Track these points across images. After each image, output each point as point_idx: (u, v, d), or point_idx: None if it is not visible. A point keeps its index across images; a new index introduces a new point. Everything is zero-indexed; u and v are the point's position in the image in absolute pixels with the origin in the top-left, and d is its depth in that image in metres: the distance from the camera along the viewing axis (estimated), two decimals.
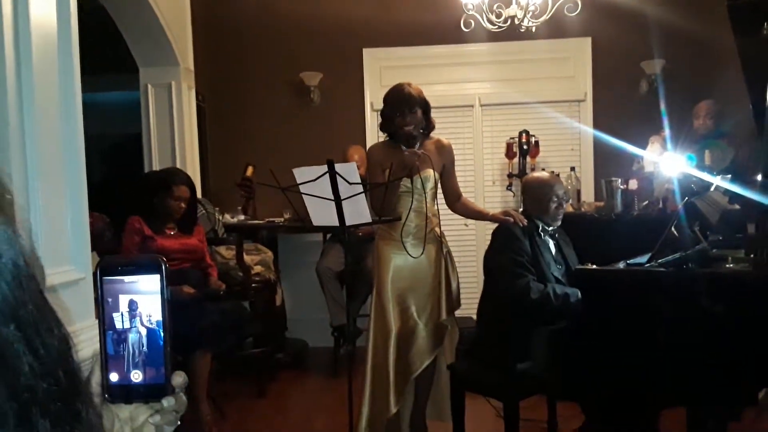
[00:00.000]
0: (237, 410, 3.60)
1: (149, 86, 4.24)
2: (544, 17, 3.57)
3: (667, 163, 3.56)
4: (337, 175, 2.32)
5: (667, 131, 3.95)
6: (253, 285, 3.92)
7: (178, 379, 0.69)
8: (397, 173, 2.61)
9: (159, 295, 0.68)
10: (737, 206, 2.70)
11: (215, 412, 3.34)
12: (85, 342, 1.55)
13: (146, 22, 3.84)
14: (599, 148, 4.83)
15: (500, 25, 3.61)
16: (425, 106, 2.78)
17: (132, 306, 0.68)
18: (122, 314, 0.68)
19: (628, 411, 2.03)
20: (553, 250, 2.62)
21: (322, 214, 2.44)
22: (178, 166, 4.25)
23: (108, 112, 5.48)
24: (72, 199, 1.64)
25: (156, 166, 4.19)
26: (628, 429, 2.07)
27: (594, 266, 2.18)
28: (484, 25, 3.62)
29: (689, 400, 1.97)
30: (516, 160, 4.72)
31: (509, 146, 4.75)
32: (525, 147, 4.64)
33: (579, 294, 2.26)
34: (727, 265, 2.15)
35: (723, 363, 1.80)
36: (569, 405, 2.81)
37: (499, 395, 2.56)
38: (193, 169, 4.44)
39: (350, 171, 2.33)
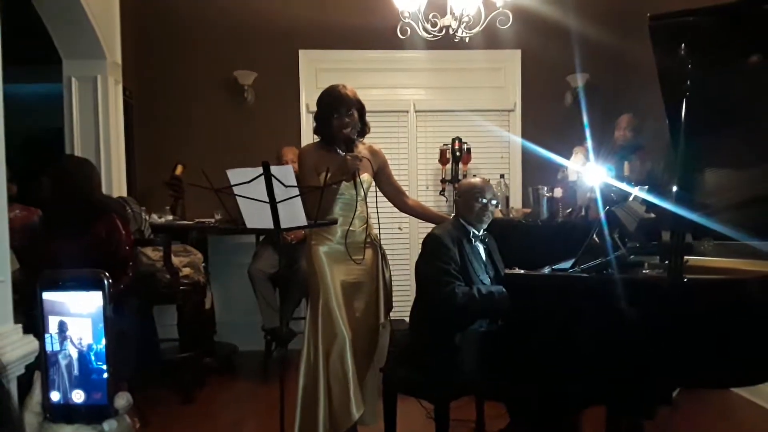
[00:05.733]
0: (161, 417, 3.48)
1: (73, 79, 4.05)
2: (478, 29, 3.67)
3: (589, 173, 3.73)
4: (272, 178, 2.29)
5: (589, 142, 4.14)
6: (181, 288, 3.81)
7: (121, 401, 0.67)
8: (335, 176, 2.60)
9: (95, 315, 0.65)
10: (653, 215, 2.86)
11: (138, 419, 3.22)
12: (5, 348, 1.47)
13: (70, 11, 3.67)
14: (527, 156, 5.01)
15: (435, 34, 3.68)
16: (361, 108, 2.78)
17: (62, 328, 0.65)
18: (51, 336, 0.65)
19: (550, 411, 2.11)
20: (483, 255, 2.70)
21: (257, 217, 2.40)
22: (103, 162, 4.08)
23: (28, 105, 5.18)
24: None
25: None
26: (551, 428, 2.15)
27: (521, 271, 2.26)
28: (420, 33, 3.68)
29: (607, 400, 2.07)
30: (449, 166, 4.83)
31: (443, 152, 4.85)
32: (458, 153, 4.76)
33: (503, 290, 2.33)
34: (644, 271, 2.28)
35: (639, 364, 1.91)
36: (497, 405, 2.89)
37: (431, 397, 2.61)
38: (118, 166, 4.28)
39: (286, 174, 2.31)
